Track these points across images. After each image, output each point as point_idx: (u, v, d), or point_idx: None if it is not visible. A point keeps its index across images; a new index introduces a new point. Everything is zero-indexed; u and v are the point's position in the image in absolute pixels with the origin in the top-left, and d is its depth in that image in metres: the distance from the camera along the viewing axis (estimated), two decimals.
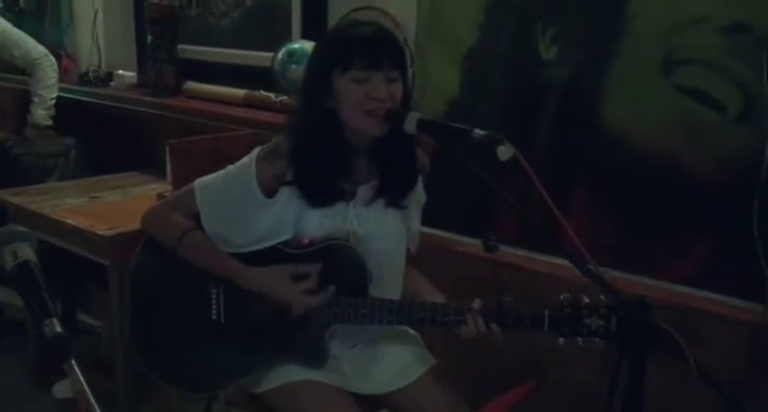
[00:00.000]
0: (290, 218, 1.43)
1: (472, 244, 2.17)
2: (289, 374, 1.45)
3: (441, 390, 1.51)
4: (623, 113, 1.87)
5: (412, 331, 1.63)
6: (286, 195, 1.43)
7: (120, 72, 3.09)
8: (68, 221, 2.23)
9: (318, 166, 1.41)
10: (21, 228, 0.85)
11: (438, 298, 1.52)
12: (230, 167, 1.48)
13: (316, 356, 1.45)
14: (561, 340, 1.34)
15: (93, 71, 3.19)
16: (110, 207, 2.40)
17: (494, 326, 1.36)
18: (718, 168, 1.73)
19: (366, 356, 1.53)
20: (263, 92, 2.56)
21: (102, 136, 3.12)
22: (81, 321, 2.93)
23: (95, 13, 3.23)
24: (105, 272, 2.21)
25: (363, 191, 1.47)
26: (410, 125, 1.31)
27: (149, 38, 2.84)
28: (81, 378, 0.70)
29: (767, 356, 1.62)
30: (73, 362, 0.72)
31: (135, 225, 2.11)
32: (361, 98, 1.35)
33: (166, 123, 2.80)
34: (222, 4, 2.76)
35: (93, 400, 0.68)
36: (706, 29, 1.72)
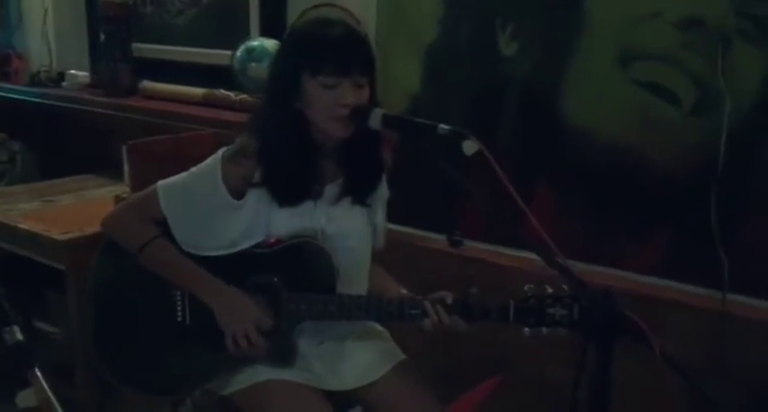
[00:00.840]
0: (260, 220, 1.42)
1: (437, 240, 2.18)
2: (258, 374, 1.43)
3: (410, 385, 1.51)
4: (583, 107, 1.90)
5: (379, 327, 1.63)
6: (255, 198, 1.42)
7: (73, 72, 3.00)
8: (22, 226, 2.17)
9: (287, 166, 1.40)
10: None
11: (402, 291, 1.52)
12: (194, 169, 1.46)
13: (284, 355, 1.44)
14: (526, 330, 1.36)
15: (44, 71, 3.09)
16: (65, 211, 2.34)
17: (455, 316, 1.37)
18: (676, 159, 1.77)
19: (334, 353, 1.52)
20: (222, 91, 2.52)
21: (55, 138, 3.04)
22: (38, 328, 2.85)
23: (45, 12, 3.13)
24: (62, 277, 2.15)
25: (330, 189, 1.47)
26: (375, 121, 1.31)
27: (102, 37, 2.76)
28: (45, 386, 0.68)
29: (725, 343, 1.66)
30: (36, 370, 0.69)
31: (91, 229, 2.08)
32: (329, 104, 1.35)
33: (122, 124, 2.73)
34: (178, 1, 2.70)
35: (59, 408, 0.66)
36: (660, 24, 1.75)
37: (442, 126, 1.23)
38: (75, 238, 2.05)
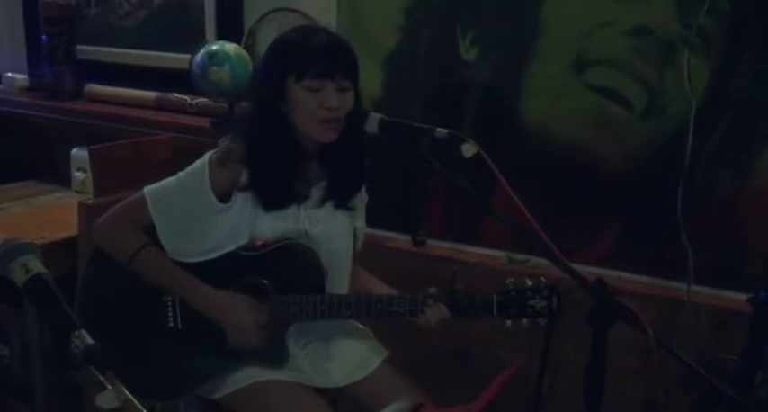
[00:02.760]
0: (245, 223, 1.44)
1: (402, 239, 2.25)
2: (251, 376, 1.45)
3: (397, 380, 1.56)
4: (540, 110, 2.00)
5: (361, 325, 1.67)
6: (240, 200, 1.44)
7: (10, 75, 2.89)
8: None
9: (274, 170, 1.43)
10: (22, 240, 0.81)
11: (387, 290, 1.58)
12: (181, 174, 1.47)
13: (277, 356, 1.46)
14: (508, 322, 1.43)
15: None
16: (19, 219, 2.26)
17: (443, 306, 1.43)
18: (629, 158, 1.90)
19: (321, 353, 1.55)
20: (176, 94, 2.49)
21: None
22: None
23: None
24: (16, 290, 2.07)
25: (315, 191, 1.51)
26: (372, 125, 1.35)
27: (45, 38, 2.67)
28: (122, 386, 0.69)
29: (690, 332, 1.78)
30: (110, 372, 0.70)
31: (53, 236, 2.03)
32: (314, 107, 1.38)
33: (65, 128, 2.65)
34: (126, 3, 2.64)
35: (141, 407, 0.68)
36: (612, 32, 1.88)
37: (440, 129, 1.28)
38: (42, 246, 1.98)
